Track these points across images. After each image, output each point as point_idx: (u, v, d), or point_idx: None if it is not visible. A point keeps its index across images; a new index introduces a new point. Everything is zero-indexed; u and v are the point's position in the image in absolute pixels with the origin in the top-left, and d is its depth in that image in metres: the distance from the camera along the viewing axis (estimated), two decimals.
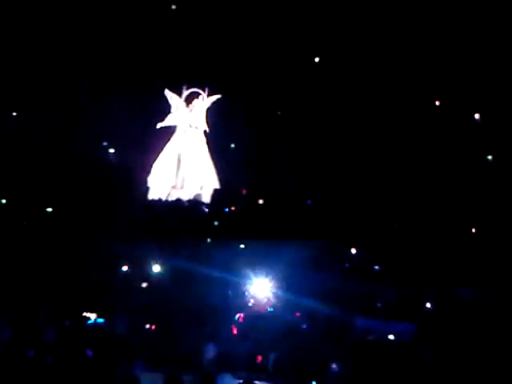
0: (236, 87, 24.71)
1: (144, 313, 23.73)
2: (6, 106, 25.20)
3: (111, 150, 25.76)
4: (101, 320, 23.47)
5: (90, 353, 11.72)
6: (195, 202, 24.30)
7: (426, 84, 25.30)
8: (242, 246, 23.33)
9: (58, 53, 24.66)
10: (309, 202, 24.74)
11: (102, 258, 24.19)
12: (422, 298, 24.71)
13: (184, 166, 24.89)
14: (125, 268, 24.65)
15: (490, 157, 25.46)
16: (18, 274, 23.45)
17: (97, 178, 24.33)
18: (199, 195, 24.60)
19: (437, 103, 25.84)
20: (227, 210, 23.92)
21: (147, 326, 23.80)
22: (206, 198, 24.62)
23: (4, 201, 25.13)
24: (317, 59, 25.87)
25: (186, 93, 25.33)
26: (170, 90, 25.05)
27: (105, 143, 25.67)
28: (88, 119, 24.53)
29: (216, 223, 23.90)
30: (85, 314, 23.50)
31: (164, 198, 24.45)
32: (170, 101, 25.15)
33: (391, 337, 24.24)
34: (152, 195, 24.47)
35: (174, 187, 24.70)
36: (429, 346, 23.35)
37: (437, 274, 24.44)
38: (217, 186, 24.69)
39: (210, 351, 21.18)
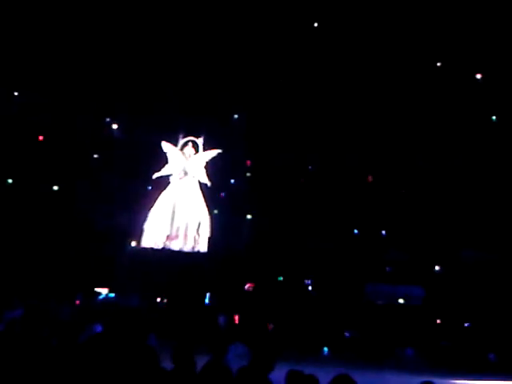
0: (231, 134, 25.05)
1: (156, 286, 23.90)
2: (8, 87, 25.21)
3: (115, 126, 25.89)
4: (112, 295, 23.66)
5: (99, 328, 11.85)
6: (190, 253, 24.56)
7: (427, 46, 25.14)
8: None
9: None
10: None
11: (111, 232, 24.32)
12: (430, 262, 24.79)
13: (179, 216, 25.02)
14: (134, 243, 24.79)
15: (494, 117, 25.35)
16: (28, 253, 23.61)
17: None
18: (194, 245, 24.73)
19: (438, 64, 25.69)
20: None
21: (159, 299, 23.98)
22: (203, 248, 24.73)
23: (10, 180, 25.25)
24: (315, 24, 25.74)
25: (181, 141, 25.42)
26: (166, 140, 25.20)
27: (108, 119, 25.79)
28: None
29: None
30: (96, 289, 23.69)
31: (158, 247, 24.58)
32: (167, 152, 25.23)
33: (401, 301, 24.39)
34: (146, 243, 24.60)
35: (168, 237, 24.80)
36: (439, 309, 23.51)
37: (445, 238, 24.49)
38: (208, 234, 24.72)
39: (222, 322, 21.40)
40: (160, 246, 24.70)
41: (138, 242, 24.77)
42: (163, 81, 25.13)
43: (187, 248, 24.79)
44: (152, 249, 24.62)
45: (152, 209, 24.89)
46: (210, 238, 24.76)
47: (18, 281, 22.21)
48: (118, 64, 24.98)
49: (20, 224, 24.22)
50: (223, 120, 25.48)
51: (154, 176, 24.92)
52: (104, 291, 23.71)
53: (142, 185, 25.10)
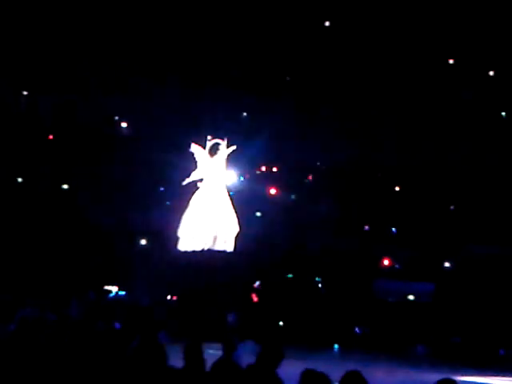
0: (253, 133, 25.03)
1: (165, 284, 23.94)
2: (16, 86, 25.27)
3: (124, 124, 25.88)
4: (122, 293, 23.73)
5: (117, 325, 11.90)
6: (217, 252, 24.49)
7: (439, 43, 25.06)
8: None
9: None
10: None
11: (121, 231, 24.35)
12: (439, 258, 24.75)
13: (209, 218, 24.85)
14: (143, 241, 24.82)
15: (503, 113, 25.27)
16: (39, 252, 23.69)
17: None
18: (221, 245, 24.63)
19: (450, 61, 25.62)
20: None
21: (169, 297, 24.05)
22: (230, 247, 24.58)
23: (20, 179, 25.33)
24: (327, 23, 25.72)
25: (209, 144, 24.96)
26: (195, 143, 24.80)
27: (116, 117, 25.82)
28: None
29: None
30: (106, 287, 23.76)
31: (190, 249, 24.44)
32: (196, 155, 24.78)
33: (411, 297, 24.38)
34: (181, 246, 24.55)
35: (194, 238, 24.67)
36: (449, 305, 23.49)
37: (454, 233, 24.44)
38: (237, 230, 24.52)
39: (232, 320, 21.44)
40: (189, 249, 24.45)
41: (149, 241, 24.77)
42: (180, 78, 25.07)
43: (208, 247, 24.71)
44: (166, 248, 24.56)
45: (185, 214, 24.60)
46: (236, 238, 24.56)
47: (30, 280, 22.30)
48: (139, 65, 24.96)
49: (31, 223, 24.29)
50: (236, 118, 25.48)
51: (185, 182, 24.42)
52: (114, 289, 23.78)
53: (154, 185, 25.10)
